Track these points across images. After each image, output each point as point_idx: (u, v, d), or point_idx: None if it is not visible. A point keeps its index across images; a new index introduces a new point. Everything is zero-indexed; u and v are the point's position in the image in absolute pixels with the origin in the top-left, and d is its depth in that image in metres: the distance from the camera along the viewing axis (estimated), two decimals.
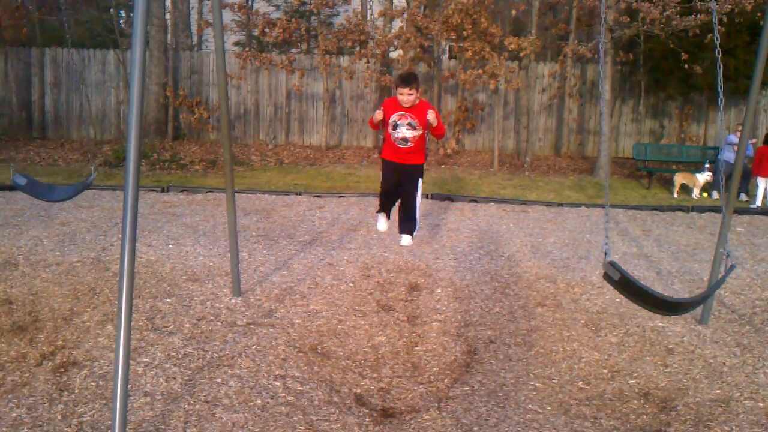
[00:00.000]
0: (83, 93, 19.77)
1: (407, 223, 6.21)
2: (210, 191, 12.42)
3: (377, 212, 6.44)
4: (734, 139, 14.33)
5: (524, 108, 18.93)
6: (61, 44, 19.61)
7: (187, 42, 22.10)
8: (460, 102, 18.88)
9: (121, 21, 23.83)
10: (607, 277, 3.68)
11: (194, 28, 23.15)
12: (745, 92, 6.00)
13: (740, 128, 14.21)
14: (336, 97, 20.02)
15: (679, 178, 14.33)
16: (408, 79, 5.83)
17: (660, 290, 7.06)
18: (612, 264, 3.63)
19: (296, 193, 12.56)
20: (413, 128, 5.88)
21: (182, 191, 12.46)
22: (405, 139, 5.92)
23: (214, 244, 8.40)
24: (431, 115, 5.76)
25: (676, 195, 14.09)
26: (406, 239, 6.22)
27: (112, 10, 21.40)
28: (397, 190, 6.20)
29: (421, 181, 6.19)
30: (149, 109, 18.78)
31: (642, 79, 18.77)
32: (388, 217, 6.43)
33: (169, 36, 20.19)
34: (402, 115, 5.86)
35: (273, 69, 18.99)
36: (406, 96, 5.79)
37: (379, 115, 5.91)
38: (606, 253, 3.70)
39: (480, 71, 16.62)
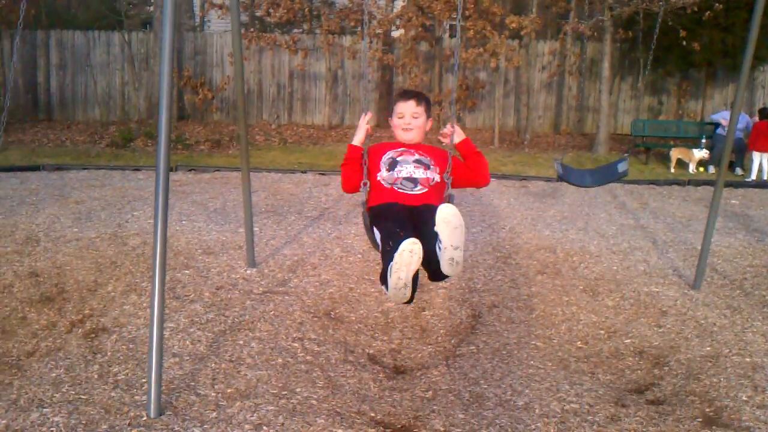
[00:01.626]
0: (88, 74, 20.02)
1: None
2: (217, 170, 12.70)
3: (382, 276, 3.47)
4: (721, 115, 14.66)
5: (524, 86, 19.17)
6: (66, 26, 19.85)
7: (189, 23, 22.31)
8: (461, 80, 19.12)
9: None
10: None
11: (197, 9, 23.33)
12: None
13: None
14: (338, 76, 20.25)
15: (675, 153, 14.62)
16: (410, 92, 4.13)
17: (655, 259, 7.38)
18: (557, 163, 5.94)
19: (302, 171, 12.85)
20: (426, 167, 3.87)
21: (190, 170, 12.74)
22: (413, 179, 3.81)
23: (226, 220, 8.69)
24: (449, 130, 3.97)
25: (672, 170, 14.39)
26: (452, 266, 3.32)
27: None
28: (412, 228, 3.46)
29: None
30: (154, 90, 19.03)
31: (641, 56, 19.02)
32: (415, 284, 3.33)
33: None
34: (404, 150, 3.96)
35: (276, 49, 19.24)
36: (410, 118, 3.98)
37: (361, 131, 4.05)
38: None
39: (481, 50, 16.85)
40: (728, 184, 12.01)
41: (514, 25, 16.47)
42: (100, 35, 20.27)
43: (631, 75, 20.18)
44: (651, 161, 15.70)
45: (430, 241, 3.31)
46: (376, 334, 5.25)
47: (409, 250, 3.13)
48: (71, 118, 20.12)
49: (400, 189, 3.74)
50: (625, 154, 6.21)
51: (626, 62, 20.04)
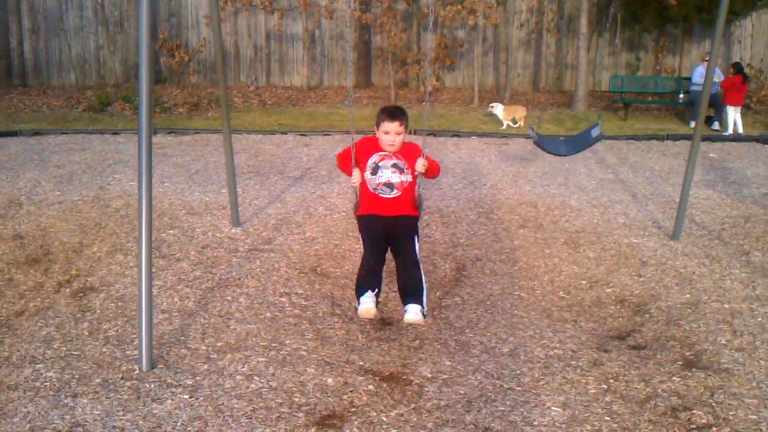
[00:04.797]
0: (62, 39, 19.69)
1: (412, 288, 4.29)
2: (197, 132, 12.65)
3: (358, 290, 4.32)
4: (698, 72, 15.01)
5: (503, 44, 19.11)
6: None
7: None
8: (439, 39, 19.02)
9: None
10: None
11: None
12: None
13: (707, 58, 14.75)
14: (315, 37, 20.08)
15: None
16: (395, 113, 4.59)
17: (635, 211, 7.49)
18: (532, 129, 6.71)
19: (282, 132, 12.83)
20: (401, 171, 4.57)
21: (169, 133, 12.68)
22: (390, 185, 4.54)
23: (208, 181, 8.70)
24: (420, 163, 4.56)
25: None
26: (413, 310, 4.15)
27: None
28: (385, 248, 4.58)
29: (417, 240, 4.55)
30: (129, 54, 18.83)
31: (618, 11, 19.01)
32: (378, 296, 4.31)
33: None
34: (385, 155, 4.59)
35: (252, 10, 19.02)
36: (393, 135, 4.55)
37: (355, 176, 4.59)
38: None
39: (459, 7, 16.75)
40: (706, 138, 12.14)
41: None
42: None
43: (608, 31, 20.16)
44: (630, 116, 15.79)
45: (397, 262, 4.46)
46: None
47: (365, 309, 4.15)
48: (46, 83, 19.80)
49: (381, 193, 4.53)
50: (598, 120, 6.58)
51: (603, 18, 20.01)
